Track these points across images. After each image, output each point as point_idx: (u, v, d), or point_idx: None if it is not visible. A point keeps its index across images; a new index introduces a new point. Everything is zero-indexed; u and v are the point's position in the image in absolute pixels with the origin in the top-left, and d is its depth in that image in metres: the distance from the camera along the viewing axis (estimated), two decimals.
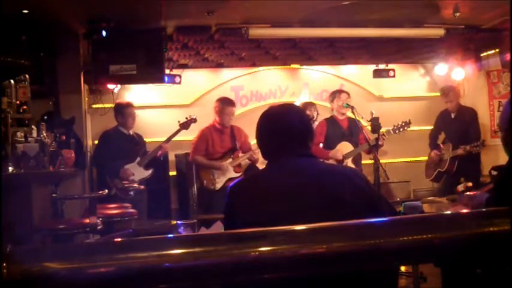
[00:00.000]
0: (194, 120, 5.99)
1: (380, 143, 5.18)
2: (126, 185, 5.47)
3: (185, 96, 7.39)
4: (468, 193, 3.53)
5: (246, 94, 7.65)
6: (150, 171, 5.78)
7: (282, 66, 7.66)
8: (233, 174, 5.82)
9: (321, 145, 5.73)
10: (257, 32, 5.59)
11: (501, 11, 5.20)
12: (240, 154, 5.87)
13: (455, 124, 6.40)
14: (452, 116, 6.49)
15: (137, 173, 5.70)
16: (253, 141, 6.56)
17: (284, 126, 1.99)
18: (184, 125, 5.96)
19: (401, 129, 5.67)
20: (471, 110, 6.68)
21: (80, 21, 5.15)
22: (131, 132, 5.92)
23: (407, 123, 5.68)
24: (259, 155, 5.86)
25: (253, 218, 1.71)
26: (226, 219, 1.92)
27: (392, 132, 5.64)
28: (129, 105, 5.91)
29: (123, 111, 5.83)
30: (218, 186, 5.75)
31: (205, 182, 5.79)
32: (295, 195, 1.80)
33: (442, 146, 6.46)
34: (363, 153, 5.73)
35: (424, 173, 6.78)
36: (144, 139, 6.19)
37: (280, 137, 1.98)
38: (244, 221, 1.76)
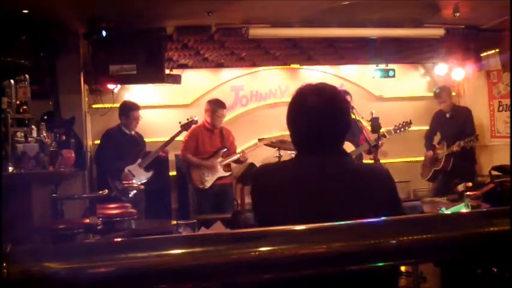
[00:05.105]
0: (195, 122, 5.99)
1: (380, 143, 5.17)
2: (126, 185, 5.47)
3: (185, 96, 7.38)
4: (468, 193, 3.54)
5: (246, 94, 7.64)
6: (150, 173, 5.78)
7: (282, 66, 7.65)
8: (222, 174, 5.87)
9: None
10: (257, 32, 5.59)
11: (501, 11, 5.20)
12: (229, 155, 5.93)
13: (451, 124, 6.42)
14: (447, 116, 6.51)
15: (138, 174, 5.70)
16: (250, 142, 6.56)
17: (326, 121, 1.79)
18: (186, 126, 5.96)
19: (402, 129, 5.66)
20: (466, 110, 6.74)
21: (80, 21, 5.15)
22: (133, 132, 5.93)
23: (408, 123, 5.66)
24: (248, 155, 5.95)
25: (272, 208, 1.73)
26: (255, 201, 1.84)
27: (393, 132, 5.63)
28: (135, 108, 5.89)
29: (129, 113, 5.82)
30: (207, 184, 5.79)
31: (194, 180, 5.81)
32: (314, 196, 1.73)
33: (437, 146, 6.48)
34: (363, 153, 5.72)
35: (420, 173, 6.79)
36: (144, 139, 6.20)
37: (317, 132, 1.79)
38: (262, 210, 1.79)
